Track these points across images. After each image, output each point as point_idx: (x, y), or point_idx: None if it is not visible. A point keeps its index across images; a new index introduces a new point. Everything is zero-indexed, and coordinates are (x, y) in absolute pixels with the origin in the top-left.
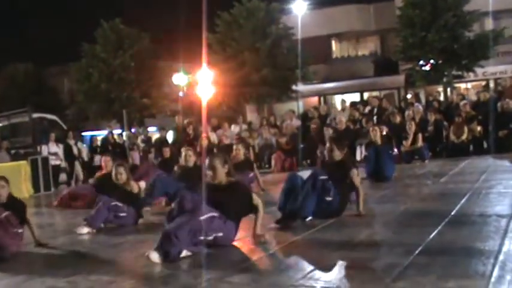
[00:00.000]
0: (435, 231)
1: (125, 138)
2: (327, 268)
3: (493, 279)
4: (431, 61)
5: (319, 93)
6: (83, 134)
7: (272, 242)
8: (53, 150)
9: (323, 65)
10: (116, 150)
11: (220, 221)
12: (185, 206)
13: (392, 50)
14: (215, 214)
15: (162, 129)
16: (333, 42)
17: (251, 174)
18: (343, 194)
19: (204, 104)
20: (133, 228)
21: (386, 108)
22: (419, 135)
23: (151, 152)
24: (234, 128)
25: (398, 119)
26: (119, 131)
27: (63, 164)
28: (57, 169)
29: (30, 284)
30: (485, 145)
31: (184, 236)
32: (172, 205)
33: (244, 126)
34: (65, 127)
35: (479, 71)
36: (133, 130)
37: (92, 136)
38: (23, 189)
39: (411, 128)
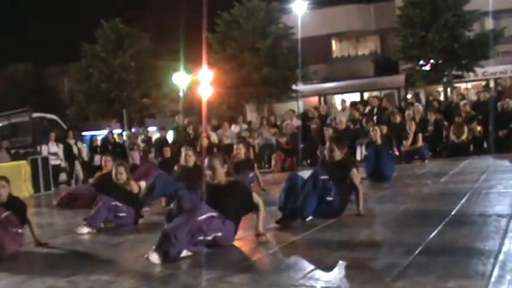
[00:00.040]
0: (435, 231)
1: (125, 138)
2: (327, 268)
3: (493, 279)
4: (432, 61)
5: (319, 93)
6: (83, 133)
7: (272, 241)
8: (53, 150)
9: (323, 64)
10: (116, 150)
11: (219, 221)
12: (184, 206)
13: (392, 50)
14: (214, 214)
15: (162, 129)
16: (333, 42)
17: (251, 174)
18: (343, 194)
19: (204, 103)
20: (133, 228)
21: (386, 108)
22: (420, 135)
23: (152, 152)
24: (234, 128)
25: (398, 118)
26: (119, 130)
27: (63, 164)
28: (57, 169)
29: (30, 284)
30: (485, 145)
31: (183, 236)
32: (171, 205)
33: (244, 126)
34: (65, 127)
35: (479, 70)
36: (133, 130)
37: (92, 136)
38: (23, 189)
39: (411, 127)
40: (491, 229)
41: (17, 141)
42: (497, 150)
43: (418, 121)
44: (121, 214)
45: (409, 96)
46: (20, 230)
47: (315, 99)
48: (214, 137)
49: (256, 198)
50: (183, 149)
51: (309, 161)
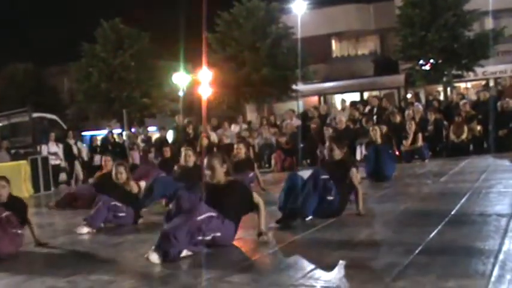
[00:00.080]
0: (435, 231)
1: (124, 137)
2: (327, 267)
3: (493, 279)
4: (431, 60)
5: (319, 92)
6: (83, 133)
7: (272, 241)
8: (52, 150)
9: (323, 64)
10: (116, 150)
11: (218, 221)
12: (183, 206)
13: (392, 50)
14: (213, 214)
15: (162, 128)
16: (333, 42)
17: (251, 174)
18: (343, 193)
19: (204, 103)
20: (133, 228)
21: (386, 108)
22: (419, 135)
23: (152, 152)
24: (234, 128)
25: (398, 118)
26: (119, 130)
27: (63, 164)
28: (57, 169)
29: (30, 284)
30: (485, 144)
31: (182, 236)
32: (170, 206)
33: (244, 126)
34: (64, 127)
35: (479, 70)
36: (133, 130)
37: (91, 136)
38: (23, 189)
39: (411, 127)
40: (491, 229)
41: (17, 141)
42: (497, 149)
43: (418, 121)
44: (120, 214)
45: (409, 95)
46: (19, 231)
47: (314, 99)
48: (214, 137)
49: (257, 198)
50: (182, 149)
51: (308, 161)
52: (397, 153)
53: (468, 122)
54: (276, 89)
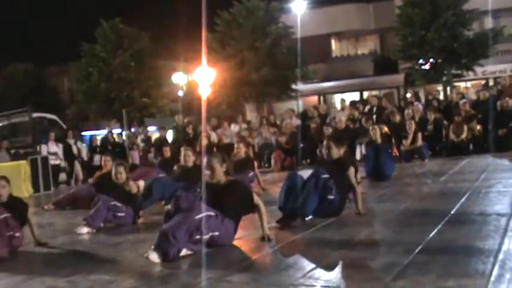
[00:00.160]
0: (435, 230)
1: (124, 137)
2: (327, 267)
3: (492, 278)
4: (431, 60)
5: (318, 92)
6: (83, 133)
7: (272, 241)
8: (52, 150)
9: (322, 64)
10: (116, 150)
11: (216, 220)
12: (181, 206)
13: (391, 49)
14: (211, 213)
15: (162, 128)
16: (333, 41)
17: (251, 174)
18: (343, 192)
19: (203, 103)
20: (133, 227)
21: (385, 107)
22: (419, 134)
23: (151, 152)
24: (234, 127)
25: (398, 118)
26: (119, 130)
27: (63, 164)
28: (56, 169)
29: (30, 284)
30: (485, 144)
31: (181, 235)
32: (169, 206)
33: (244, 126)
34: (64, 127)
35: (478, 69)
36: (133, 130)
37: (91, 136)
38: (23, 189)
39: (411, 127)
40: (491, 228)
41: (16, 141)
42: (496, 149)
43: (417, 120)
44: (120, 214)
45: (408, 95)
46: (17, 234)
47: (314, 99)
48: (213, 137)
49: (257, 199)
50: (182, 149)
51: (308, 161)
52: (396, 152)
53: (468, 121)
54: (275, 88)
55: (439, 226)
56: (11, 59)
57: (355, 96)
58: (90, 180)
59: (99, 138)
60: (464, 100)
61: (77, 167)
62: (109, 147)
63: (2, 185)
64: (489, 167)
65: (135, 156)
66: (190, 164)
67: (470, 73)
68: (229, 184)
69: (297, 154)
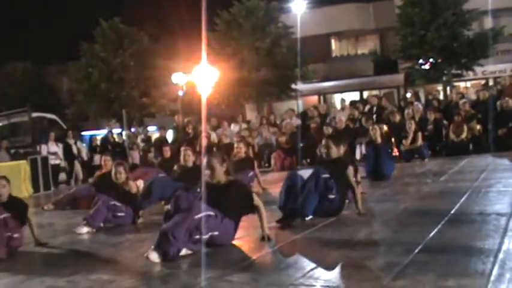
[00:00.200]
0: (435, 230)
1: (124, 137)
2: (327, 267)
3: (492, 278)
4: (431, 60)
5: (318, 92)
6: (83, 133)
7: (272, 240)
8: (52, 150)
9: (322, 63)
10: (116, 150)
11: (216, 220)
12: (181, 206)
13: (391, 49)
14: (211, 213)
15: (162, 128)
16: (333, 41)
17: (251, 173)
18: (343, 192)
19: (203, 103)
20: (132, 227)
21: (385, 107)
22: (419, 134)
23: (151, 152)
24: (234, 127)
25: (397, 117)
26: (119, 130)
27: (63, 164)
28: (56, 168)
29: (29, 284)
30: (484, 144)
31: (181, 235)
32: (169, 206)
33: (244, 125)
34: (64, 126)
35: (478, 69)
36: (132, 129)
37: (91, 135)
38: (23, 189)
39: (411, 127)
40: (491, 228)
41: (16, 140)
42: (496, 149)
43: (417, 120)
44: (119, 214)
45: (408, 95)
46: (15, 235)
47: (314, 99)
48: (213, 137)
49: (256, 199)
50: (182, 149)
51: (308, 160)
52: (396, 152)
53: (468, 121)
54: (275, 88)
55: (439, 226)
56: (9, 58)
57: (355, 96)
58: (90, 180)
59: (99, 138)
60: (464, 100)
61: (77, 166)
62: (109, 147)
63: (2, 185)
64: (489, 167)
65: (135, 156)
66: (190, 164)
67: (470, 73)
68: (229, 184)
69: (297, 154)
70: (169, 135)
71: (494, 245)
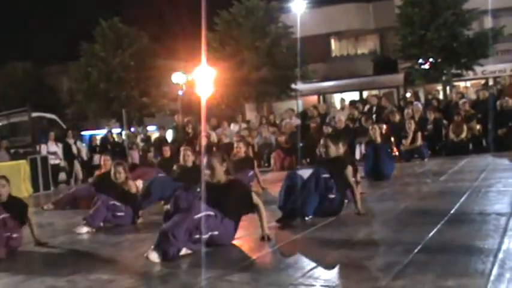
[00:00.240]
0: (434, 230)
1: (124, 137)
2: (327, 267)
3: (492, 278)
4: (431, 59)
5: (318, 91)
6: (82, 133)
7: (272, 240)
8: (52, 150)
9: (322, 63)
10: (115, 150)
11: (216, 220)
12: (180, 206)
13: (391, 49)
14: (211, 213)
15: (162, 128)
16: (332, 41)
17: (251, 173)
18: (342, 191)
19: (203, 102)
20: (132, 227)
21: (385, 107)
22: (419, 134)
23: (151, 151)
24: (234, 127)
25: (397, 117)
26: (118, 130)
27: (63, 163)
28: (56, 168)
29: (29, 284)
30: (484, 143)
31: (181, 234)
32: (168, 206)
33: (244, 125)
34: (64, 126)
35: (478, 69)
36: (132, 129)
37: (91, 135)
38: (23, 189)
39: (411, 126)
40: (491, 227)
41: (16, 140)
42: (496, 148)
43: (417, 120)
44: (119, 214)
45: (408, 95)
46: (15, 235)
47: (314, 98)
48: (213, 136)
49: (256, 199)
50: (181, 149)
51: (308, 160)
52: (396, 152)
53: (467, 121)
54: (275, 88)
55: (439, 225)
56: (9, 58)
57: (354, 95)
58: (90, 180)
59: (98, 137)
60: (464, 100)
61: (77, 166)
62: (108, 146)
63: (1, 185)
64: (489, 167)
65: (134, 156)
66: (189, 163)
67: (470, 73)
68: (229, 184)
69: (296, 154)
70: (169, 135)
71: (494, 245)
